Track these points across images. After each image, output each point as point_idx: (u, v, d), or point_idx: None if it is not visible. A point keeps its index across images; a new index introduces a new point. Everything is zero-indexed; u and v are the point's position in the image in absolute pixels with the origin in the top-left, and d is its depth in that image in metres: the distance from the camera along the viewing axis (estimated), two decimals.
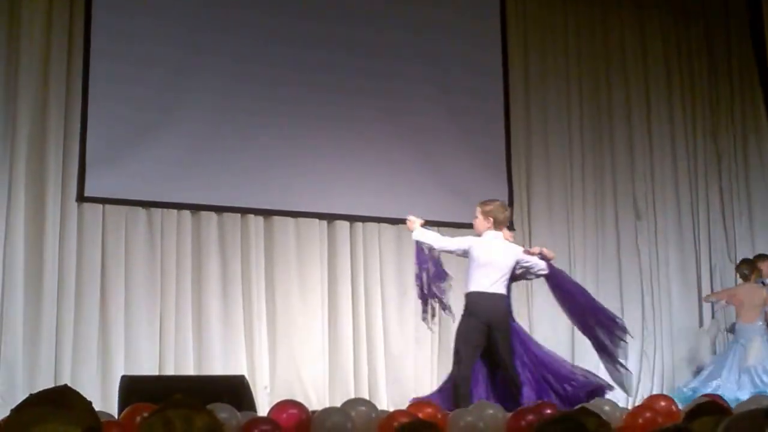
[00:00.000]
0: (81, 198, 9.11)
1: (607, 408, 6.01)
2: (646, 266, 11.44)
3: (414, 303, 10.23)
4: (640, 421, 5.83)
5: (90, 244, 9.07)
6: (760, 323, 10.41)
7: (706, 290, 11.56)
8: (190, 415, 3.00)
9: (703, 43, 12.36)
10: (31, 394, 3.02)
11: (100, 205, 9.20)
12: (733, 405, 6.02)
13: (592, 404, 5.95)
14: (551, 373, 7.80)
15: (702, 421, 3.93)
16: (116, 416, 6.00)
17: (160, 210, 9.45)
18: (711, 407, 4.49)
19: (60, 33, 9.24)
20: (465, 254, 8.04)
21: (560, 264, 10.83)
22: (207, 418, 3.04)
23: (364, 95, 10.40)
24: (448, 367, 10.24)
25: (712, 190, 11.99)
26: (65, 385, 3.13)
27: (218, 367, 9.28)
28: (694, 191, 11.88)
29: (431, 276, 8.06)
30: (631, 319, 10.93)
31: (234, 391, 6.58)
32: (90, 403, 3.07)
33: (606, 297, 10.87)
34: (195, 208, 9.59)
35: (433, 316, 8.15)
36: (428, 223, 10.41)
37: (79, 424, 2.86)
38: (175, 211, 9.49)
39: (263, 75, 9.96)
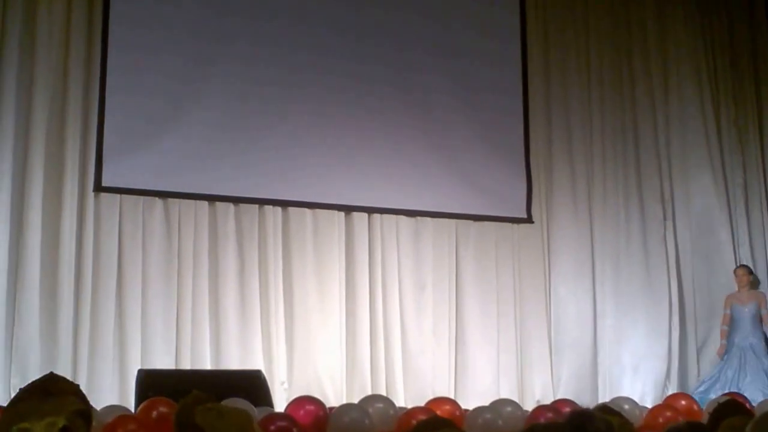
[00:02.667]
0: (98, 188, 9.07)
1: (627, 406, 5.97)
2: (672, 261, 11.22)
3: (431, 297, 10.23)
4: (661, 420, 5.78)
5: (107, 235, 9.03)
6: None
7: (728, 288, 11.29)
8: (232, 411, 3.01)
9: (726, 34, 12.16)
10: (20, 389, 3.00)
11: (117, 196, 9.15)
12: None
13: (613, 402, 5.89)
14: None
15: (729, 422, 3.86)
16: (133, 410, 5.99)
17: (177, 200, 9.40)
18: (734, 407, 4.43)
19: (79, 23, 9.19)
20: None
21: (580, 259, 10.83)
22: (244, 417, 3.05)
23: (383, 87, 10.31)
24: (465, 362, 10.26)
25: (735, 183, 11.79)
26: (51, 373, 3.11)
27: (234, 361, 9.22)
28: (721, 184, 11.65)
29: None
30: (656, 315, 10.88)
31: (251, 385, 6.54)
32: (77, 386, 3.06)
33: (629, 293, 10.82)
34: (212, 199, 9.53)
35: None
36: (445, 216, 10.41)
37: (61, 413, 2.84)
38: (192, 201, 9.44)
39: (282, 65, 9.88)
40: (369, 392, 9.16)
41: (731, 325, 10.75)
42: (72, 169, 8.98)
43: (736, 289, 10.90)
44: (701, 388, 10.25)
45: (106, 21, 9.22)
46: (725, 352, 10.57)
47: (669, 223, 11.23)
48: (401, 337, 10.07)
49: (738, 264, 11.16)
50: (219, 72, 9.65)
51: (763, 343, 10.55)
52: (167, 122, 9.36)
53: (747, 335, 10.55)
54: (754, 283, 11.03)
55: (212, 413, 3.02)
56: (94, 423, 5.06)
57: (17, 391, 3.09)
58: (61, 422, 2.82)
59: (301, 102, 9.94)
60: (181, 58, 9.51)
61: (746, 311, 10.66)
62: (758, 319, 10.63)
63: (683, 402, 6.06)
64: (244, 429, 3.09)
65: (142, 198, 9.23)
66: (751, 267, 11.12)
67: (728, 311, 10.81)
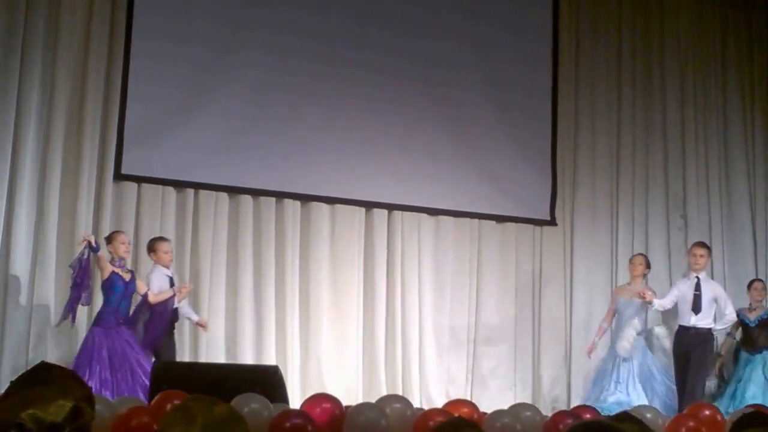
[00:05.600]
0: (118, 176, 9.03)
1: (649, 415, 5.85)
2: None
3: (450, 298, 10.14)
4: (683, 430, 5.66)
5: (124, 224, 8.98)
6: None
7: None
8: (211, 405, 2.92)
9: (764, 31, 11.93)
10: (11, 381, 2.95)
11: (136, 184, 9.12)
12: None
13: (635, 411, 5.78)
14: None
15: None
16: (147, 402, 5.93)
17: (196, 191, 9.36)
18: (758, 418, 4.30)
19: (102, 10, 9.14)
20: None
21: (602, 261, 10.70)
22: (226, 410, 2.96)
23: (410, 83, 10.23)
24: (483, 362, 10.16)
25: (764, 188, 11.59)
26: (42, 362, 3.06)
27: (249, 355, 9.20)
28: (752, 188, 11.48)
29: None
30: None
31: (267, 381, 6.44)
32: (73, 372, 3.02)
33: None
34: (231, 191, 9.49)
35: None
36: (467, 215, 10.30)
37: (68, 396, 2.83)
38: (211, 192, 9.40)
39: (308, 58, 9.80)
40: (384, 391, 9.12)
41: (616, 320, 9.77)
42: (91, 156, 8.95)
43: (628, 281, 9.87)
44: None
45: (130, 9, 9.18)
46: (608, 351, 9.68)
47: (694, 227, 11.05)
48: (419, 336, 9.99)
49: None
50: (241, 64, 9.61)
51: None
52: (188, 112, 9.32)
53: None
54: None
55: (177, 415, 2.92)
56: (107, 414, 5.03)
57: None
58: (70, 404, 2.82)
59: (324, 96, 9.87)
60: (204, 49, 9.47)
61: (632, 306, 9.59)
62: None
63: (707, 412, 5.95)
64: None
65: (161, 187, 9.21)
66: None
67: (613, 306, 9.82)
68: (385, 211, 10.12)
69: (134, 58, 9.14)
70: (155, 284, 8.44)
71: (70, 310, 8.05)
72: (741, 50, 11.79)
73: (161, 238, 8.72)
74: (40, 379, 2.90)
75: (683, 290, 9.60)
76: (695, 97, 11.46)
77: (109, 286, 8.12)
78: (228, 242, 9.39)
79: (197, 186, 9.34)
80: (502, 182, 10.45)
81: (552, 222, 10.70)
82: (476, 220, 10.44)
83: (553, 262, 10.62)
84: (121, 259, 8.25)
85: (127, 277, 8.20)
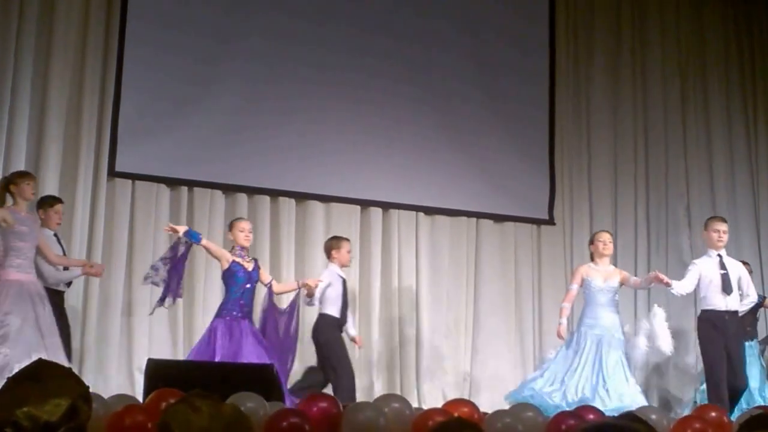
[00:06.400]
0: (112, 173, 8.97)
1: (654, 416, 5.75)
2: None
3: (447, 297, 10.05)
4: (689, 431, 5.55)
5: (119, 220, 8.94)
6: None
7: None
8: (218, 402, 2.85)
9: (765, 27, 11.90)
10: (8, 378, 2.87)
11: (130, 181, 9.04)
12: None
13: (639, 411, 5.68)
14: None
15: None
16: (141, 400, 5.84)
17: (190, 188, 9.30)
18: (766, 420, 4.20)
19: (97, 7, 9.10)
20: None
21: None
22: (231, 409, 2.90)
23: (407, 83, 10.20)
24: (481, 362, 10.08)
25: (764, 188, 11.54)
26: (40, 359, 3.01)
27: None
28: (755, 189, 11.42)
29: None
30: (678, 320, 10.62)
31: (263, 380, 6.35)
32: (70, 370, 2.95)
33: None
34: (226, 188, 9.44)
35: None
36: (465, 214, 10.21)
37: (65, 394, 2.78)
38: (206, 190, 9.35)
39: (305, 56, 9.79)
40: (381, 391, 9.07)
41: (586, 303, 8.68)
42: (87, 153, 8.90)
43: (593, 260, 8.76)
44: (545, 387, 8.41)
45: (124, 8, 9.13)
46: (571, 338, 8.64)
47: (695, 231, 10.96)
48: (416, 336, 9.92)
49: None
50: (237, 62, 9.57)
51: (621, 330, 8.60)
52: (183, 110, 9.28)
53: (601, 318, 8.50)
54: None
55: (184, 409, 2.84)
56: (101, 411, 4.92)
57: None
58: (66, 403, 2.76)
59: (321, 94, 9.84)
60: (199, 47, 9.43)
61: (608, 292, 8.55)
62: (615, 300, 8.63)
63: (713, 413, 5.85)
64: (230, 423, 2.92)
65: (155, 185, 9.16)
66: None
67: (575, 286, 8.71)
68: (381, 210, 10.04)
69: (128, 56, 9.11)
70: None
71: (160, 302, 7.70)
72: (742, 49, 11.73)
73: (341, 238, 8.72)
74: (37, 376, 2.84)
75: (706, 270, 8.30)
76: (695, 96, 11.42)
77: (230, 275, 7.68)
78: (223, 240, 9.27)
79: (191, 183, 9.28)
80: (501, 181, 10.40)
81: (551, 221, 10.65)
82: (474, 219, 10.39)
83: (551, 262, 10.56)
84: (242, 247, 7.84)
85: (249, 266, 7.82)
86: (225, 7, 9.55)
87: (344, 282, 8.49)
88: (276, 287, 8.04)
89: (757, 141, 11.58)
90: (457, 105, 10.38)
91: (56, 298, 7.71)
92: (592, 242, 8.81)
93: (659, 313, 8.70)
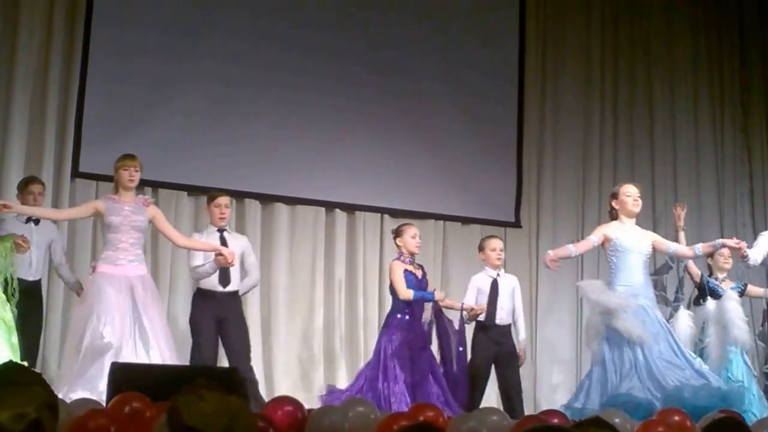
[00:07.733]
0: (75, 174, 8.93)
1: (617, 420, 5.77)
2: None
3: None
4: None
5: (82, 222, 8.82)
6: None
7: None
8: (224, 395, 2.88)
9: (735, 34, 11.99)
10: None
11: (94, 182, 8.97)
12: None
13: (605, 414, 5.70)
14: None
15: None
16: (104, 404, 5.78)
17: (155, 189, 9.20)
18: (729, 425, 4.21)
19: (62, 4, 9.05)
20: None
21: (567, 264, 10.59)
22: (237, 401, 2.91)
23: (375, 86, 10.19)
24: None
25: (740, 192, 11.62)
26: (10, 361, 2.94)
27: None
28: (720, 193, 11.50)
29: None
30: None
31: (227, 382, 6.30)
32: (40, 376, 2.84)
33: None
34: (191, 190, 9.38)
35: None
36: (431, 217, 10.20)
37: (31, 404, 2.66)
38: (171, 191, 9.30)
39: (271, 58, 9.76)
40: None
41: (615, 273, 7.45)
42: (50, 153, 8.84)
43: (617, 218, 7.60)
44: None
45: (89, 5, 9.08)
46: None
47: (663, 233, 10.99)
48: None
49: None
50: (201, 63, 9.53)
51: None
52: (148, 112, 9.25)
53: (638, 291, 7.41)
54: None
55: (192, 398, 2.83)
56: (64, 416, 4.85)
57: None
58: (30, 414, 2.64)
59: (286, 96, 9.81)
60: (164, 47, 9.38)
61: (643, 257, 7.49)
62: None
63: (676, 417, 5.87)
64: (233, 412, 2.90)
65: None
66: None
67: (596, 239, 7.53)
68: (346, 212, 10.02)
69: (92, 57, 9.06)
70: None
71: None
72: (711, 51, 11.82)
73: (493, 236, 8.51)
74: (9, 380, 2.73)
75: None
76: (663, 101, 11.49)
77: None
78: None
79: (156, 185, 9.18)
80: (467, 184, 10.41)
81: (517, 224, 10.66)
82: (441, 222, 10.38)
83: (518, 264, 10.54)
84: (412, 254, 7.73)
85: (419, 273, 7.69)
86: (190, 8, 9.51)
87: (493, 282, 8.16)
88: (437, 296, 7.71)
89: (723, 145, 11.66)
90: (424, 107, 10.37)
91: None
92: (615, 197, 7.65)
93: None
